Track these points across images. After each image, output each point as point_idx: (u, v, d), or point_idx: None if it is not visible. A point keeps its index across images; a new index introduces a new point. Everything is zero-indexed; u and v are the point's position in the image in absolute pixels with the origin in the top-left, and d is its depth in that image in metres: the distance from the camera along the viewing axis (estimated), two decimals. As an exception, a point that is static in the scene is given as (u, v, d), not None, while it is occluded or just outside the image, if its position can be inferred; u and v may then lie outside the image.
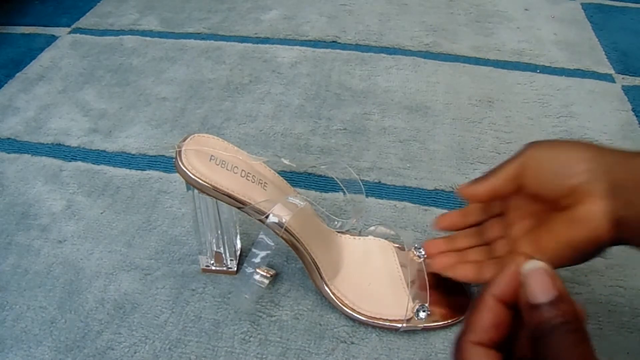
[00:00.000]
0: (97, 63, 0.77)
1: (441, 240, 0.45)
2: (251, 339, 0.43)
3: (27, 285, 0.47)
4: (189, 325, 0.44)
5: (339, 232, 0.48)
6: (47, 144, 0.62)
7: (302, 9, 0.89)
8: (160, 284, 0.47)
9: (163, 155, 0.61)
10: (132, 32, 0.83)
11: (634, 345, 0.43)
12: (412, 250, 0.46)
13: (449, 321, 0.43)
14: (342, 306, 0.43)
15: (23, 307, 0.45)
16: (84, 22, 0.87)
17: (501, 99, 0.69)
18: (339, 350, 0.42)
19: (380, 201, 0.55)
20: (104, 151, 0.61)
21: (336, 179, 0.48)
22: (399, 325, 0.42)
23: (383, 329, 0.43)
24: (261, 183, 0.42)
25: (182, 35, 0.83)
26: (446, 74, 0.74)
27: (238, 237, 0.48)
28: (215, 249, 0.46)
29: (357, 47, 0.79)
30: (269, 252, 0.40)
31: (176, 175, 0.56)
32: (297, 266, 0.48)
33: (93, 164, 0.59)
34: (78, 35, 0.83)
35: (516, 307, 0.26)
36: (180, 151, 0.39)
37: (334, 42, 0.80)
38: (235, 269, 0.47)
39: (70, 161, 0.60)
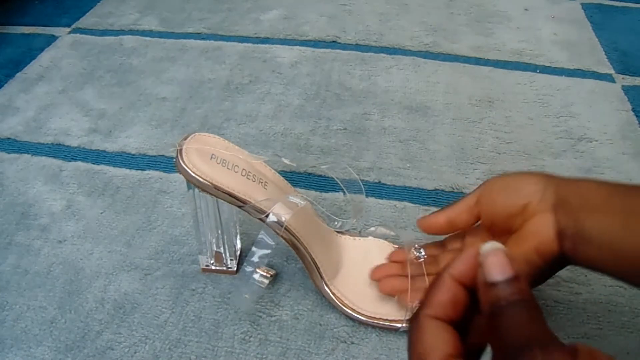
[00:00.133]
0: (97, 63, 0.77)
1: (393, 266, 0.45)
2: (251, 339, 0.43)
3: (27, 285, 0.47)
4: (189, 325, 0.44)
5: (338, 232, 0.48)
6: (47, 144, 0.62)
7: (302, 9, 0.89)
8: (160, 284, 0.47)
9: (163, 155, 0.61)
10: (132, 32, 0.83)
11: (634, 345, 0.42)
12: (412, 250, 0.46)
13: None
14: (342, 306, 0.43)
15: (23, 307, 0.45)
16: (84, 22, 0.87)
17: (501, 99, 0.69)
18: (339, 350, 0.42)
19: (380, 201, 0.55)
20: (104, 151, 0.61)
21: (336, 179, 0.48)
22: (399, 325, 0.42)
23: (383, 329, 0.43)
24: (262, 182, 0.42)
25: (182, 35, 0.83)
26: (446, 74, 0.74)
27: (238, 237, 0.48)
28: (215, 249, 0.46)
29: (357, 47, 0.79)
30: (269, 251, 0.40)
31: (176, 175, 0.56)
32: (297, 266, 0.48)
33: (93, 164, 0.59)
34: (78, 35, 0.83)
35: (473, 292, 0.27)
36: (181, 150, 0.40)
37: (334, 42, 0.81)
38: (235, 268, 0.47)
39: (70, 161, 0.60)
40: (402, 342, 0.43)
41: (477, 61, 0.76)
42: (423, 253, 0.46)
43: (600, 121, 0.65)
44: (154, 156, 0.60)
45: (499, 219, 0.38)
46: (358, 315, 0.43)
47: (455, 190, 0.56)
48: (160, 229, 0.52)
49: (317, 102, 0.68)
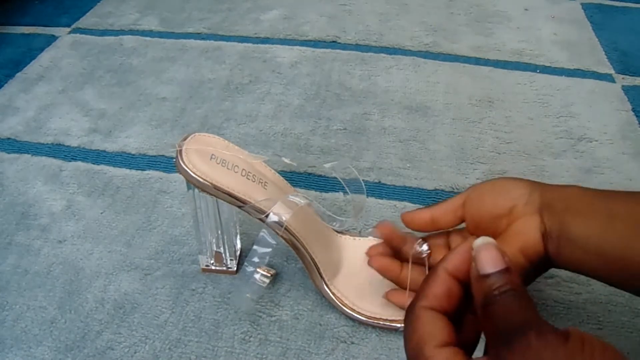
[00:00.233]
0: (97, 63, 0.77)
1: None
2: (251, 339, 0.43)
3: (27, 285, 0.47)
4: (189, 325, 0.44)
5: (338, 232, 0.48)
6: (47, 144, 0.62)
7: (302, 9, 0.89)
8: (160, 284, 0.47)
9: (163, 155, 0.61)
10: (132, 32, 0.83)
11: (634, 345, 0.42)
12: (415, 245, 0.46)
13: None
14: (342, 306, 0.43)
15: (23, 307, 0.45)
16: (84, 22, 0.87)
17: (501, 99, 0.69)
18: (339, 350, 0.42)
19: (380, 201, 0.55)
20: (104, 151, 0.61)
21: (339, 178, 0.48)
22: (399, 325, 0.42)
23: (383, 329, 0.43)
24: (261, 182, 0.42)
25: (182, 35, 0.83)
26: (446, 74, 0.74)
27: (238, 237, 0.48)
28: (215, 249, 0.46)
29: (357, 47, 0.79)
30: (269, 250, 0.40)
31: (176, 175, 0.56)
32: (297, 266, 0.48)
33: (93, 164, 0.59)
34: (78, 35, 0.83)
35: (467, 286, 0.27)
36: (180, 150, 0.40)
37: (334, 42, 0.81)
38: (235, 268, 0.47)
39: (70, 161, 0.60)
40: (402, 342, 0.42)
41: (477, 61, 0.76)
42: (426, 248, 0.45)
43: (600, 121, 0.65)
44: (154, 156, 0.61)
45: (485, 221, 0.38)
46: (358, 315, 0.43)
47: (455, 190, 0.56)
48: (160, 229, 0.52)
49: (317, 102, 0.68)
